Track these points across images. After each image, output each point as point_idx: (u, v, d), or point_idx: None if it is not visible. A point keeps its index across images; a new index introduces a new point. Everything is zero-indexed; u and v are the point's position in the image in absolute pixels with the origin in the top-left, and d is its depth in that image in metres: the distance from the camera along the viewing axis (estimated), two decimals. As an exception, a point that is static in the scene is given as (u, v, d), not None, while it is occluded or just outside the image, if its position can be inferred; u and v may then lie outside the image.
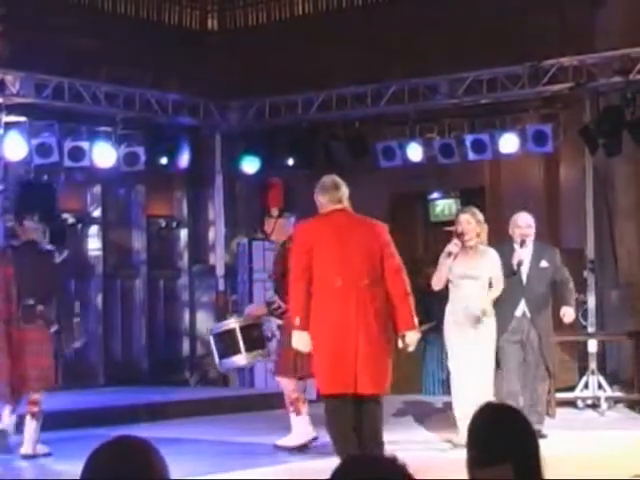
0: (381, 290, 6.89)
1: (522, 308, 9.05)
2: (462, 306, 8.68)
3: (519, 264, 9.02)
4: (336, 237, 6.97)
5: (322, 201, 7.21)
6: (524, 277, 9.07)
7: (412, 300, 6.95)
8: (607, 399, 11.24)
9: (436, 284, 8.79)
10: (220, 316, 13.15)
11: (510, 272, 8.97)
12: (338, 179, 7.30)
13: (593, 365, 11.58)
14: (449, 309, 8.80)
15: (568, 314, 9.17)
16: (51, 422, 9.65)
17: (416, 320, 6.99)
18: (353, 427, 6.84)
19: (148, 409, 10.90)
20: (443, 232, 14.59)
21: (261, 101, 13.32)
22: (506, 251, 9.04)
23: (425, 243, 14.22)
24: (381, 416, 6.92)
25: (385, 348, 6.86)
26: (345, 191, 7.21)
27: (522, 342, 9.02)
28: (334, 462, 2.56)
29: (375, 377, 6.78)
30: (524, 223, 9.16)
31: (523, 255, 9.04)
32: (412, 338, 6.98)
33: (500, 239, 12.46)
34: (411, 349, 7.08)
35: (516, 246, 9.10)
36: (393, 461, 2.47)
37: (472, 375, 8.48)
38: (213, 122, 13.47)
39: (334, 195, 7.16)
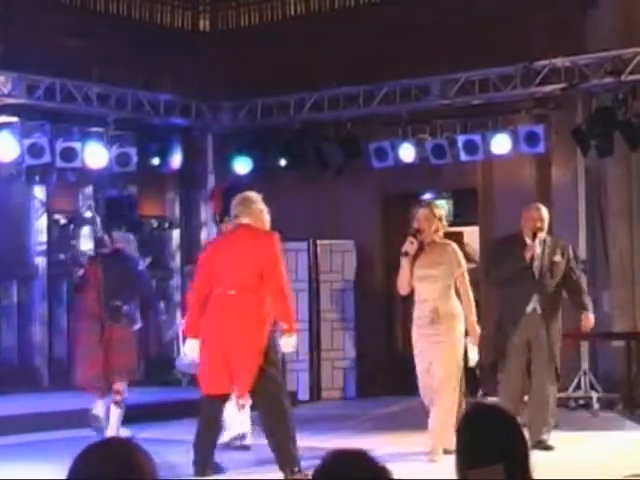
0: (257, 298, 7.36)
1: (533, 304, 8.62)
2: (423, 311, 8.23)
3: (532, 258, 8.61)
4: (224, 252, 7.54)
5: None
6: (536, 271, 8.66)
7: (287, 307, 7.43)
8: (599, 399, 11.21)
9: (400, 288, 8.41)
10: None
11: (522, 266, 8.57)
12: (249, 196, 7.73)
13: (585, 365, 11.62)
14: (414, 313, 8.39)
15: (589, 320, 8.80)
16: (41, 424, 9.73)
17: (287, 325, 7.42)
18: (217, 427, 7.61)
19: (140, 410, 10.72)
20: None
21: (253, 102, 13.30)
22: (517, 243, 8.68)
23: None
24: (278, 411, 7.34)
25: (255, 351, 7.28)
26: (250, 207, 7.60)
27: (529, 342, 8.63)
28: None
29: (245, 377, 7.28)
30: (538, 216, 8.76)
31: (536, 249, 8.64)
32: (286, 342, 7.46)
33: (492, 238, 12.45)
34: (286, 350, 7.62)
35: (527, 239, 8.69)
36: (373, 459, 2.49)
37: (433, 384, 8.12)
38: (205, 123, 13.48)
39: (238, 210, 7.64)
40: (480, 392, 12.24)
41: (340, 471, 2.46)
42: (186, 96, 13.22)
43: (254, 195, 7.75)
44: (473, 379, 12.78)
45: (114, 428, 9.33)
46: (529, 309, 8.59)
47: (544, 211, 8.85)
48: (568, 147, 11.92)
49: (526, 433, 2.59)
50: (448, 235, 14.78)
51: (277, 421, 7.30)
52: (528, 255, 8.58)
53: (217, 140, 13.69)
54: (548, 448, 8.46)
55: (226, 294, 7.39)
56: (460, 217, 14.47)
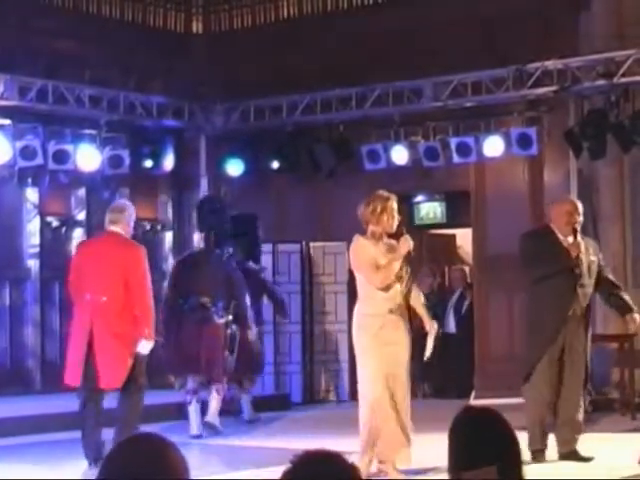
0: (122, 304, 7.97)
1: (575, 306, 7.98)
2: (387, 306, 7.60)
3: (577, 257, 7.91)
4: (93, 257, 8.14)
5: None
6: (578, 271, 7.99)
7: (146, 315, 8.03)
8: (592, 402, 10.92)
9: (386, 280, 7.60)
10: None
11: (568, 264, 7.92)
12: (120, 203, 8.71)
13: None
14: (366, 310, 7.67)
15: (635, 321, 8.16)
16: (34, 426, 9.90)
17: (147, 331, 8.02)
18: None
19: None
20: (428, 235, 14.78)
21: (246, 104, 13.28)
22: (550, 239, 8.01)
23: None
24: (127, 405, 8.08)
25: (120, 350, 7.92)
26: (119, 215, 8.18)
27: (564, 346, 7.99)
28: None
29: (108, 374, 7.93)
30: (575, 210, 8.02)
31: (582, 246, 7.94)
32: (144, 345, 8.02)
33: (483, 242, 12.79)
34: (143, 352, 8.02)
35: (560, 235, 8.01)
36: (343, 459, 2.48)
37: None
38: (198, 124, 13.50)
39: (109, 217, 8.23)
40: (473, 395, 12.36)
41: (309, 472, 2.44)
42: (179, 98, 13.23)
43: (121, 204, 8.60)
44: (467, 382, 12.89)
45: (213, 414, 10.08)
46: (571, 312, 7.99)
47: (580, 205, 8.21)
48: (560, 149, 11.94)
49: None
50: (442, 237, 14.97)
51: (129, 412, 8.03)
52: (575, 253, 7.92)
53: (210, 142, 13.70)
54: (586, 459, 7.98)
55: (100, 300, 7.94)
56: (453, 219, 14.56)
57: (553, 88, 11.63)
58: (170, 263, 14.09)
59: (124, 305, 7.95)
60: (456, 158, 12.19)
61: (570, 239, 7.99)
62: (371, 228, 7.77)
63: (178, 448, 2.51)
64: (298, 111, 12.90)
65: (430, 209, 14.68)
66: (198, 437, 9.86)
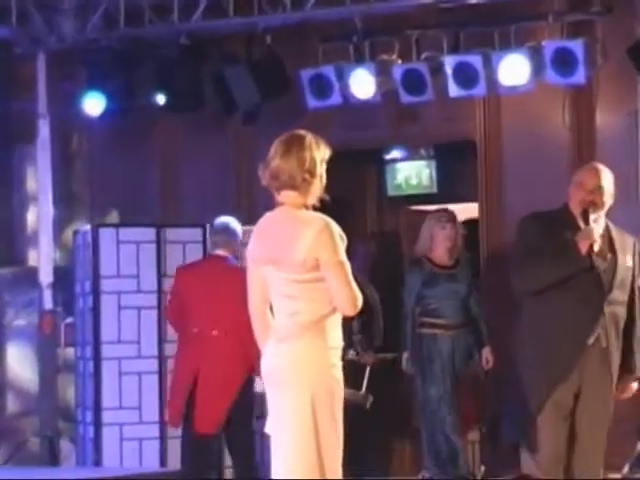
0: (233, 338, 9.98)
1: (598, 331, 7.91)
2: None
3: (590, 253, 7.76)
4: (199, 287, 10.25)
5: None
6: (604, 277, 7.87)
7: (256, 349, 9.52)
8: None
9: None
10: (49, 348, 13.16)
11: (580, 265, 7.77)
12: (223, 223, 10.47)
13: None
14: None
15: (630, 390, 8.24)
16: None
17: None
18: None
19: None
20: (410, 213, 14.28)
21: (110, 1, 12.72)
22: (565, 226, 7.90)
23: (379, 229, 14.09)
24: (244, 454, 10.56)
25: (224, 392, 10.11)
26: (225, 237, 10.38)
27: (580, 387, 7.93)
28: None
29: (206, 417, 10.15)
30: (592, 183, 7.94)
31: (595, 235, 7.77)
32: (259, 384, 9.54)
33: (497, 224, 12.70)
34: (258, 391, 9.88)
35: (581, 223, 7.88)
36: None
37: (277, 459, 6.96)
38: (33, 35, 12.99)
39: (213, 238, 10.60)
40: (482, 468, 12.43)
41: None
42: (0, -9, 12.56)
43: (231, 221, 10.44)
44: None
45: None
46: (592, 339, 7.90)
47: (605, 175, 8.00)
48: (622, 75, 11.65)
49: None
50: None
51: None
52: (584, 247, 7.75)
53: (54, 63, 13.26)
54: None
55: (208, 334, 10.10)
56: (449, 188, 14.31)
57: (611, -24, 11.44)
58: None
59: (235, 340, 9.88)
60: (454, 89, 11.91)
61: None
62: (294, 198, 6.52)
63: None
64: (197, 13, 12.53)
65: (413, 171, 14.40)
66: None
